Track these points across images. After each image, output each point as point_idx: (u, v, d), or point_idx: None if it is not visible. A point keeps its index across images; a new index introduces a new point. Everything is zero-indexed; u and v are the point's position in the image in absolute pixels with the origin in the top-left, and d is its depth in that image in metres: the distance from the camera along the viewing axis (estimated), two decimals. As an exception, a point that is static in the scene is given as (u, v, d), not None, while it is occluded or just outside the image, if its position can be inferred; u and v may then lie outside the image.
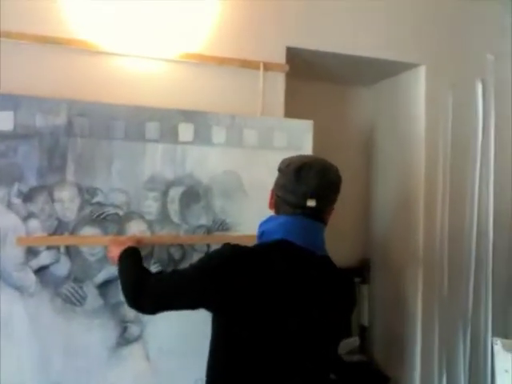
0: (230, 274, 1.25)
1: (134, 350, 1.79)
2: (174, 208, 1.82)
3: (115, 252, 1.56)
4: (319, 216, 1.34)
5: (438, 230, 2.29)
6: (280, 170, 1.38)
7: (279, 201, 1.37)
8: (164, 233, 1.81)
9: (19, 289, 1.66)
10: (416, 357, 2.27)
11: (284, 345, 1.26)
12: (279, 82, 2.01)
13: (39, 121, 1.66)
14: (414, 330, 2.28)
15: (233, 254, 1.29)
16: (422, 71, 2.29)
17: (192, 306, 1.34)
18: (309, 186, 1.30)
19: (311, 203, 1.29)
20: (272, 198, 1.41)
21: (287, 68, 2.01)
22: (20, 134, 1.65)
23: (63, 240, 1.70)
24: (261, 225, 1.39)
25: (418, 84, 2.32)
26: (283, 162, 1.39)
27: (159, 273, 1.50)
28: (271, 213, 1.43)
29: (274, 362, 1.25)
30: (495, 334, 2.31)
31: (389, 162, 2.58)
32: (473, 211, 2.35)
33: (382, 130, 2.67)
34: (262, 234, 1.37)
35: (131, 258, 1.51)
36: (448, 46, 2.31)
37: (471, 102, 2.35)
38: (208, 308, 1.31)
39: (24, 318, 1.67)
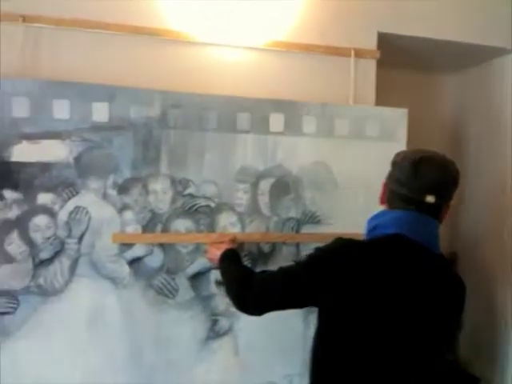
0: (340, 267, 1.21)
1: (224, 343, 1.77)
2: (263, 200, 1.79)
3: (214, 254, 1.58)
4: (435, 213, 1.28)
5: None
6: (395, 163, 1.32)
7: (392, 195, 1.31)
8: (254, 225, 1.78)
9: (113, 280, 1.67)
10: (509, 358, 2.15)
11: (392, 342, 1.21)
12: (370, 69, 1.93)
13: (134, 112, 1.66)
14: (506, 330, 2.16)
15: (345, 247, 1.25)
16: (515, 57, 2.17)
17: (299, 302, 1.30)
18: (427, 181, 1.23)
19: (430, 199, 1.23)
20: (384, 192, 1.35)
21: (378, 54, 1.93)
22: (115, 126, 1.65)
23: (158, 238, 1.70)
24: (372, 219, 1.33)
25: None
26: (398, 154, 1.33)
27: (263, 271, 1.47)
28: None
29: (380, 358, 1.21)
30: None
31: (480, 153, 2.45)
32: None
33: (472, 120, 2.53)
34: (374, 228, 1.31)
35: (232, 260, 1.52)
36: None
37: None
38: (316, 303, 1.27)
39: (117, 310, 1.67)
